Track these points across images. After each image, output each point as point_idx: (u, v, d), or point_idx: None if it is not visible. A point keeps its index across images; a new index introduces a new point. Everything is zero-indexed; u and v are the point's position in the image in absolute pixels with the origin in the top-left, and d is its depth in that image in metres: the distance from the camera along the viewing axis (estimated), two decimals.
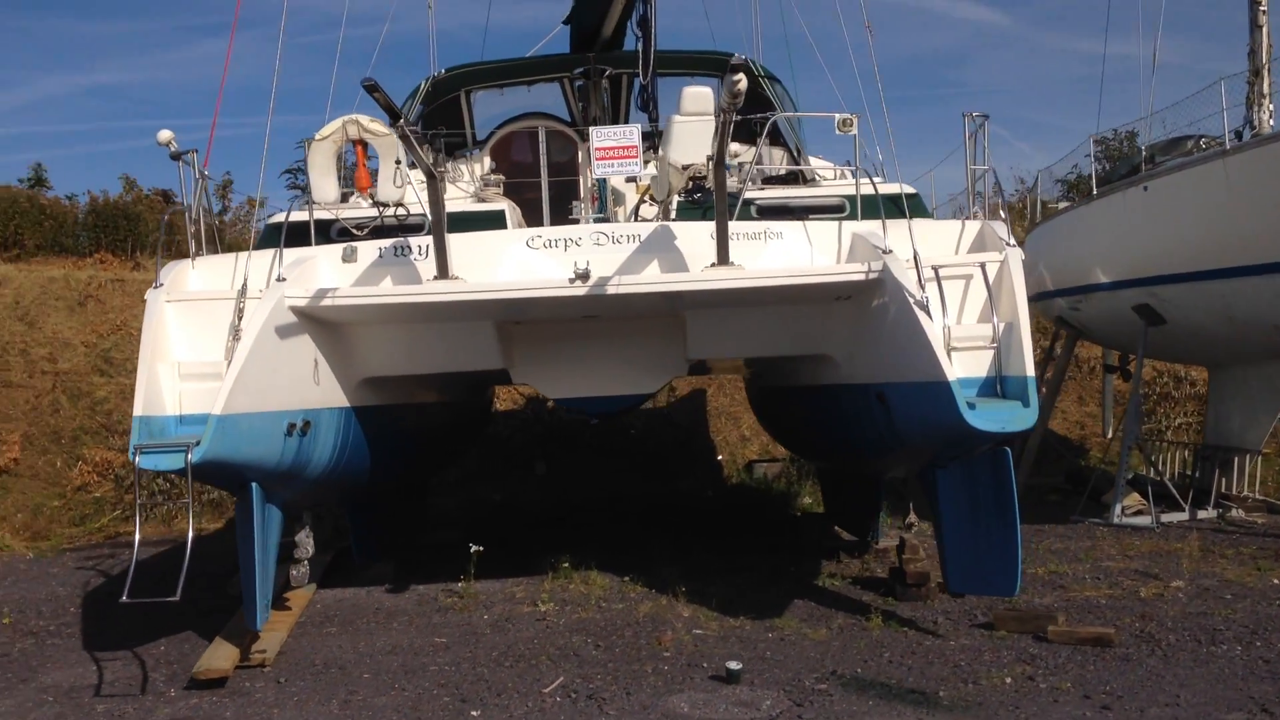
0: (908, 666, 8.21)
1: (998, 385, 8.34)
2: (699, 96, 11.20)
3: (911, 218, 9.97)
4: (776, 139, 12.54)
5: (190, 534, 8.12)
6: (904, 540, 10.50)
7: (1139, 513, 14.35)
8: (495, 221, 10.28)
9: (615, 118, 13.17)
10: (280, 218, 10.26)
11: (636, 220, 11.02)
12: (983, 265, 8.55)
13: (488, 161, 12.84)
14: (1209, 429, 15.89)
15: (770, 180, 11.88)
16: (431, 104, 12.96)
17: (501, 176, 11.30)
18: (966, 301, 8.57)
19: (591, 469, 20.64)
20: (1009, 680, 7.81)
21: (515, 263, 9.13)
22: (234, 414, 7.83)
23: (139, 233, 25.51)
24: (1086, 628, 8.71)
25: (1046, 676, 7.85)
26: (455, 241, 9.32)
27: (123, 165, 66.67)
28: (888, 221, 9.48)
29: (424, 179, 10.70)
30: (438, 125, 12.88)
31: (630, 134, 9.39)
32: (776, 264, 9.25)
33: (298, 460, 8.73)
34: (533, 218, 11.89)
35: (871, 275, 8.70)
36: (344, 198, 10.69)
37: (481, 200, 11.01)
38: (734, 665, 7.99)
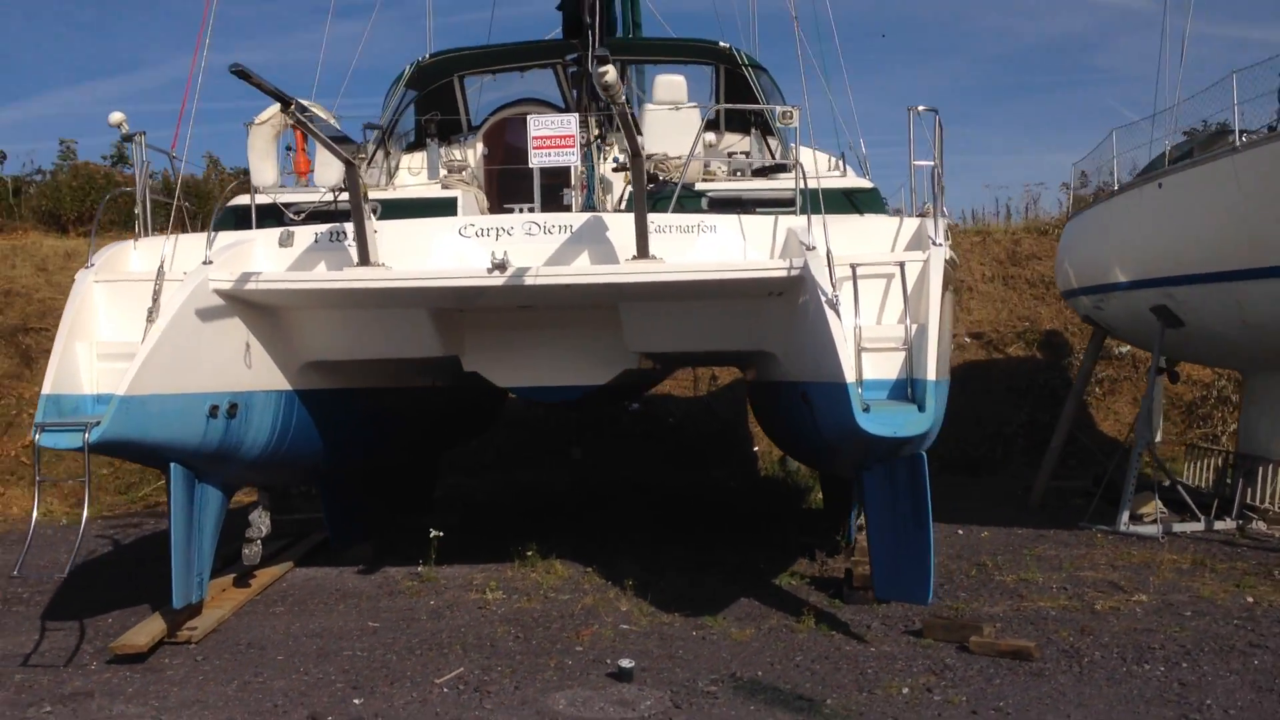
0: (812, 672, 8.05)
1: (909, 388, 8.12)
2: (672, 85, 11.15)
3: (865, 213, 9.77)
4: (767, 129, 12.35)
5: (85, 513, 8.29)
6: (856, 542, 10.28)
7: (1156, 520, 13.89)
8: (446, 208, 10.30)
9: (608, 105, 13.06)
10: (243, 200, 10.42)
11: (623, 209, 10.96)
12: (902, 265, 8.32)
13: (480, 147, 12.85)
14: (1241, 437, 15.30)
15: (759, 172, 11.71)
16: (424, 89, 13.00)
17: (469, 164, 11.30)
18: (888, 301, 8.34)
19: (626, 455, 20.67)
20: (905, 690, 7.61)
21: (446, 251, 9.14)
22: (143, 395, 7.96)
23: (206, 210, 26.06)
24: (1007, 640, 8.45)
25: (945, 689, 7.63)
26: (390, 229, 9.36)
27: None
28: (830, 216, 9.27)
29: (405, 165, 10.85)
30: (431, 110, 12.91)
31: (567, 123, 9.30)
32: (706, 258, 9.11)
33: (225, 442, 8.86)
34: (521, 203, 11.88)
35: (794, 272, 8.52)
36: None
37: (445, 187, 11.02)
38: (626, 663, 7.91)
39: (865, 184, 10.54)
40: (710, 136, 11.54)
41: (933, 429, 8.09)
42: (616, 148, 11.99)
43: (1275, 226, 11.52)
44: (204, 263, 8.85)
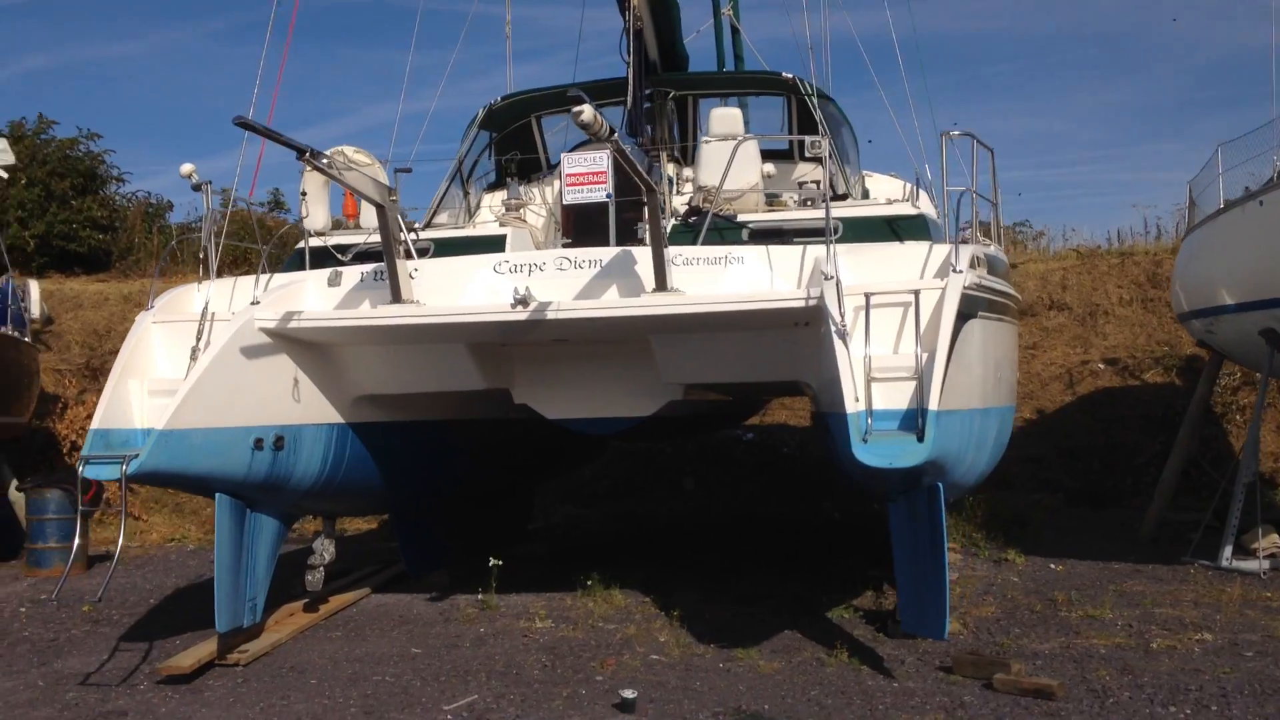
0: (820, 706, 7.95)
1: (919, 418, 7.96)
2: (726, 118, 11.21)
3: (906, 240, 9.64)
4: (843, 159, 12.30)
5: (120, 542, 8.75)
6: None
7: (1274, 555, 13.22)
8: (494, 246, 10.55)
9: (684, 138, 13.20)
10: (316, 242, 10.89)
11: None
12: (916, 293, 8.18)
13: (557, 185, 13.08)
14: None
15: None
16: (502, 129, 13.34)
17: (526, 202, 11.54)
18: (904, 330, 8.20)
19: (738, 486, 20.62)
20: None
21: (481, 287, 9.36)
22: (184, 428, 8.40)
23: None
24: (1031, 679, 8.17)
25: None
26: (430, 267, 9.66)
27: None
28: (866, 245, 9.20)
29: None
30: (511, 151, 13.24)
31: (600, 160, 9.46)
32: (733, 289, 9.11)
33: (274, 473, 9.24)
34: (600, 238, 12.07)
35: (811, 302, 8.47)
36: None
37: (501, 225, 11.30)
38: (629, 694, 7.94)
39: (909, 211, 10.38)
40: (769, 167, 11.54)
41: (940, 460, 7.90)
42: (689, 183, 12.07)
43: None
44: (252, 303, 9.29)
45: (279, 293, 9.53)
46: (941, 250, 8.90)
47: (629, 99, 11.09)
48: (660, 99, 13.19)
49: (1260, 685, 8.11)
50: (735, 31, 16.52)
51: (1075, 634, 9.78)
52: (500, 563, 11.31)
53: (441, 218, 13.14)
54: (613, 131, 7.87)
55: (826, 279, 8.46)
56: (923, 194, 12.62)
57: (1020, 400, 22.38)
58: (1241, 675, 8.38)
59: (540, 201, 13.01)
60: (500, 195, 13.11)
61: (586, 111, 7.38)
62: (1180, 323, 17.28)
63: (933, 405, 7.63)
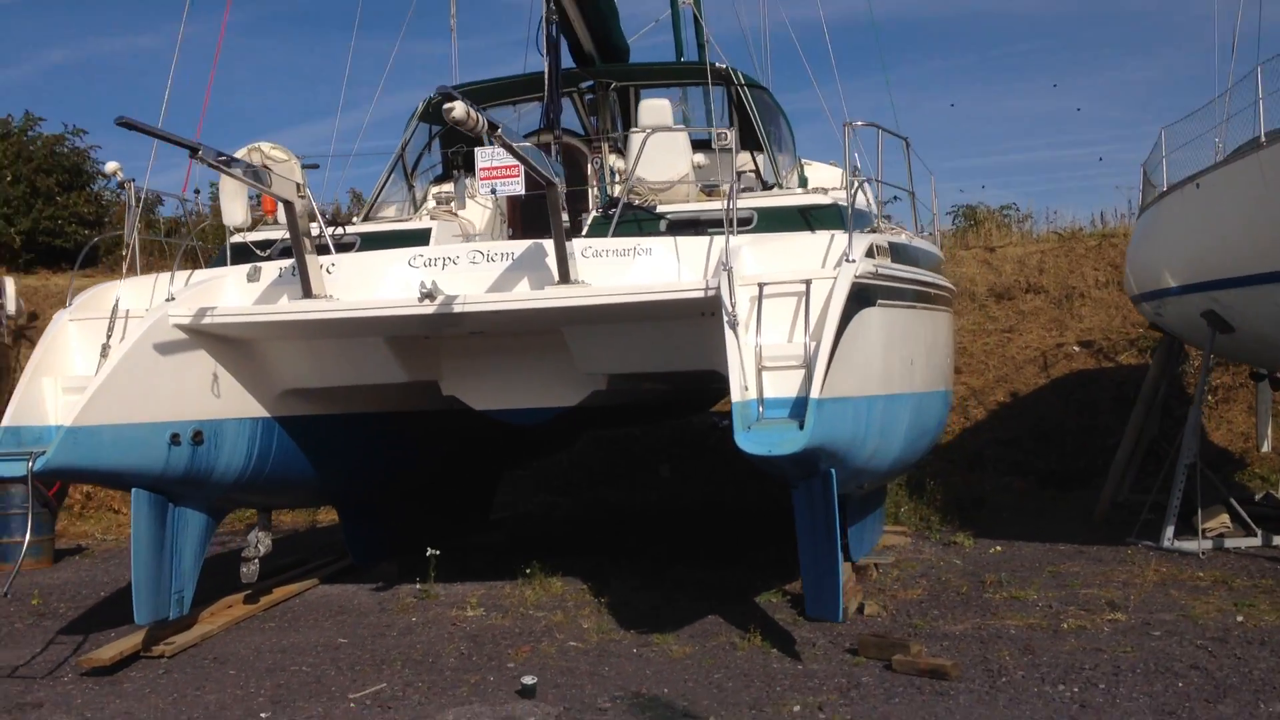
0: (719, 689, 8.06)
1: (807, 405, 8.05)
2: (656, 109, 11.30)
3: (818, 230, 9.72)
4: (756, 146, 12.37)
5: (26, 538, 8.92)
6: None
7: (1222, 535, 13.28)
8: (419, 239, 10.67)
9: (626, 129, 13.27)
10: (244, 237, 11.03)
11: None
12: (808, 282, 8.26)
13: None
14: None
15: (747, 191, 11.76)
16: (446, 124, 13.40)
17: (451, 194, 11.63)
18: (797, 319, 8.28)
19: (711, 473, 20.71)
20: (796, 709, 7.56)
21: (396, 281, 9.47)
22: (93, 425, 8.55)
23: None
24: (927, 659, 8.27)
25: (837, 707, 7.55)
26: (347, 261, 9.79)
27: None
28: (773, 235, 9.31)
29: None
30: (458, 144, 13.31)
31: (508, 154, 9.53)
32: (639, 281, 9.21)
33: (193, 468, 9.39)
34: (544, 230, 12.18)
35: (710, 292, 8.57)
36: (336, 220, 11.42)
37: (432, 219, 11.42)
38: (529, 680, 8.07)
39: (822, 200, 10.46)
40: (699, 157, 11.63)
41: (828, 446, 8.00)
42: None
43: None
44: (167, 299, 9.43)
45: (197, 289, 9.66)
46: (843, 240, 8.98)
47: (545, 92, 11.16)
48: (603, 90, 13.27)
49: (1155, 664, 8.19)
50: (697, 23, 16.56)
51: (992, 615, 9.87)
52: (438, 553, 11.43)
53: (389, 211, 13.26)
54: (495, 127, 7.95)
55: (724, 269, 8.55)
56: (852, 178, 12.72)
57: (994, 383, 22.53)
58: (1141, 654, 8.46)
59: (486, 194, 13.10)
60: (447, 188, 13.22)
61: (458, 109, 7.47)
62: (1135, 305, 17.30)
63: (814, 393, 7.71)
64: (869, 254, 8.88)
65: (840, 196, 10.43)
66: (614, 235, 10.13)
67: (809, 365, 7.93)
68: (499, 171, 9.49)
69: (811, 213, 10.12)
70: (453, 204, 11.66)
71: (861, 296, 8.55)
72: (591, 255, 9.36)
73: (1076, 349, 22.68)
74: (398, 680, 8.57)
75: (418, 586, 11.55)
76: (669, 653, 9.04)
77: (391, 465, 12.19)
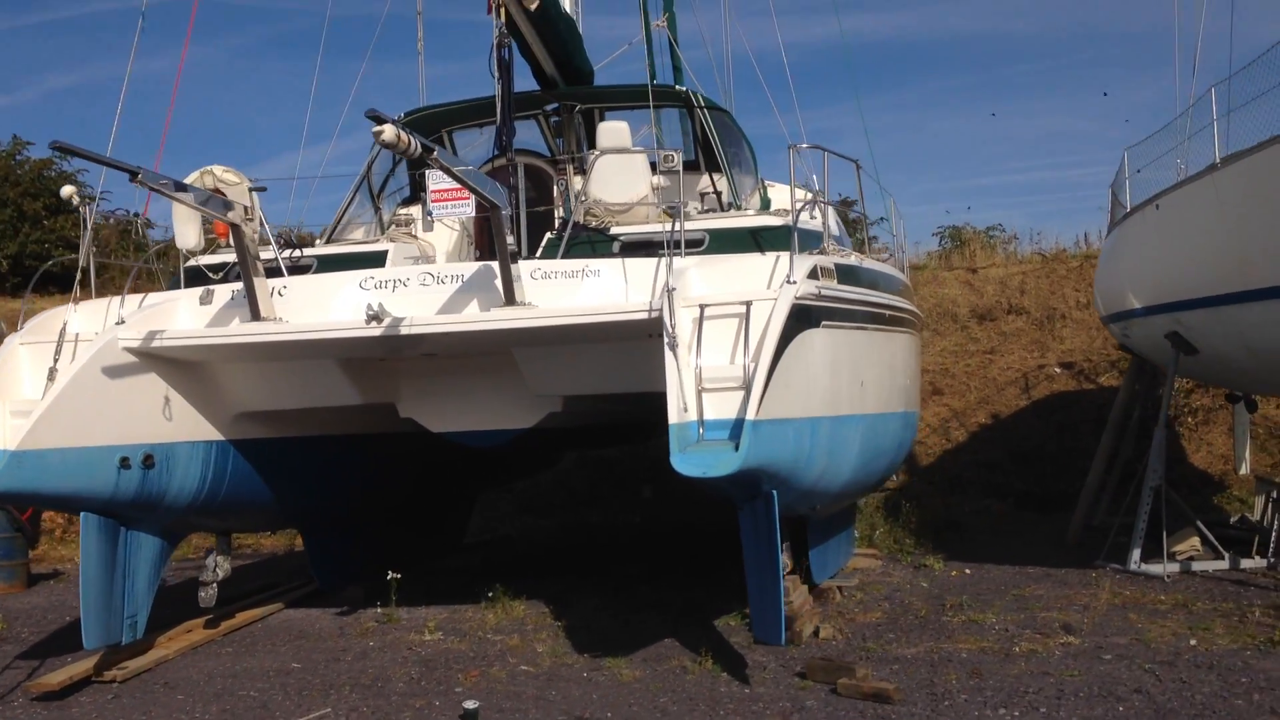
0: (663, 713, 8.05)
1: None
2: (614, 131, 11.35)
3: (768, 251, 9.74)
4: (716, 168, 12.41)
5: None
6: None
7: (1192, 558, 13.25)
8: (376, 261, 10.70)
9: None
10: (198, 261, 11.07)
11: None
12: (749, 304, 8.28)
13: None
14: None
15: (710, 213, 11.80)
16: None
17: (412, 216, 11.66)
18: (738, 341, 8.29)
19: (697, 494, 20.55)
20: None
21: (346, 303, 9.48)
22: (39, 449, 8.56)
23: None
24: (871, 683, 8.25)
25: None
26: (299, 284, 9.82)
27: None
28: (722, 256, 9.35)
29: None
30: (424, 166, 13.36)
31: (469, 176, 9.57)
32: (587, 303, 9.23)
33: (144, 492, 9.39)
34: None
35: (653, 314, 8.59)
36: (292, 244, 11.47)
37: (391, 240, 11.46)
38: (470, 705, 8.05)
39: (774, 222, 10.49)
40: (659, 179, 11.66)
41: (767, 468, 8.00)
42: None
43: (1258, 246, 10.97)
44: (117, 323, 9.46)
45: (148, 312, 9.69)
46: (801, 261, 9.01)
47: (498, 116, 11.21)
48: (568, 112, 13.33)
49: (1100, 687, 8.17)
50: (673, 47, 16.63)
51: (947, 638, 9.85)
52: (399, 576, 11.42)
53: (357, 233, 13.30)
54: (431, 150, 7.97)
55: (669, 291, 8.58)
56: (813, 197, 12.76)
57: (976, 405, 22.51)
58: (1087, 678, 8.44)
59: (436, 217, 13.15)
60: (415, 209, 13.26)
61: (387, 132, 7.48)
62: (1105, 325, 17.32)
63: (750, 415, 7.71)
64: (813, 275, 8.90)
65: (809, 219, 10.48)
66: (566, 257, 10.15)
67: (748, 386, 7.93)
68: (449, 194, 9.53)
69: (762, 234, 10.14)
70: (413, 226, 11.68)
71: (804, 317, 8.56)
72: (540, 277, 9.39)
73: (1058, 370, 22.68)
74: (343, 705, 8.55)
75: (379, 610, 11.54)
76: (619, 677, 9.02)
77: (355, 488, 12.19)
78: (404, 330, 8.95)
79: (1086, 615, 10.52)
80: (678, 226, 9.38)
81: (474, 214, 9.71)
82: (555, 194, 12.83)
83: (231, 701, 8.82)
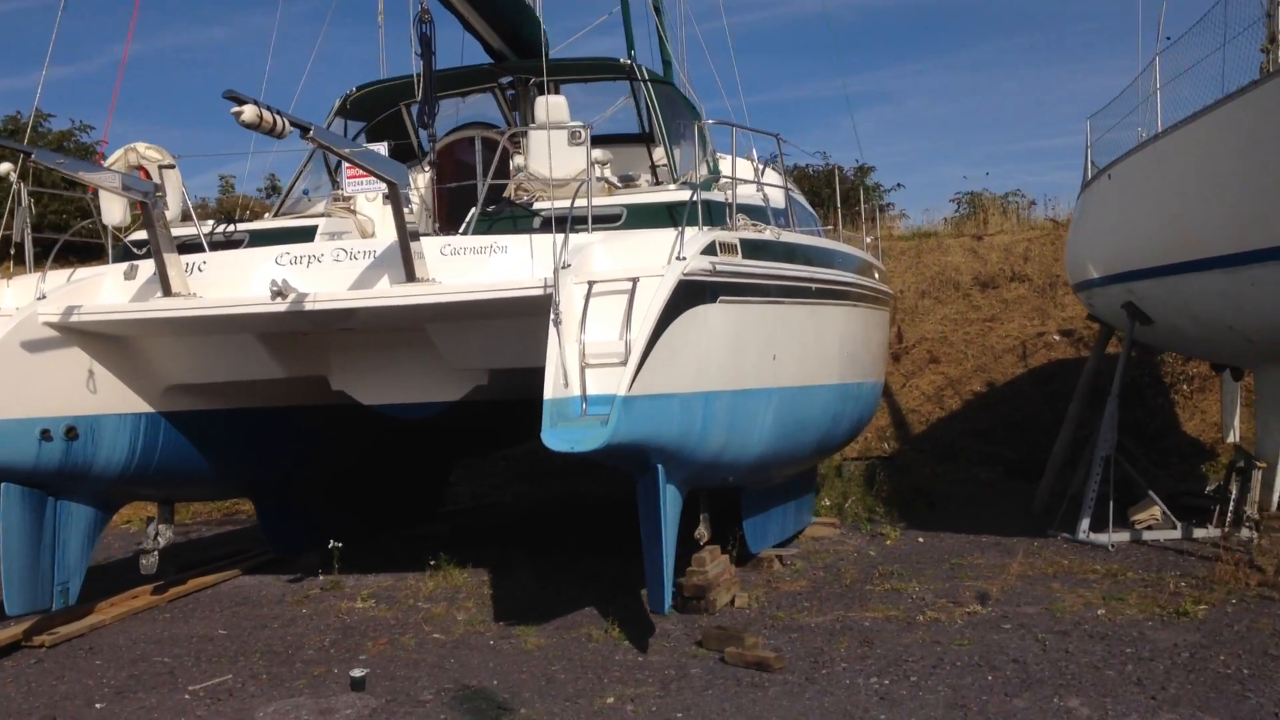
0: (549, 679, 8.20)
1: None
2: (554, 106, 11.42)
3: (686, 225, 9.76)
4: (652, 141, 12.44)
5: None
6: (699, 553, 10.26)
7: (1150, 527, 13.20)
8: (305, 236, 10.87)
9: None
10: (139, 234, 11.29)
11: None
12: (635, 280, 8.34)
13: (429, 171, 13.36)
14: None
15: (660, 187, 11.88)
16: (372, 118, 13.63)
17: (343, 193, 11.80)
18: (626, 317, 8.33)
19: None
20: (610, 700, 7.69)
21: (262, 279, 9.64)
22: None
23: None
24: (754, 652, 8.34)
25: (648, 698, 7.66)
26: (218, 259, 10.01)
27: None
28: (625, 232, 9.44)
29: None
30: (384, 139, 13.49)
31: (378, 153, 9.71)
32: (496, 278, 9.32)
33: (69, 462, 9.64)
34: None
35: (548, 290, 8.68)
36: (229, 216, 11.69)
37: (328, 215, 11.62)
38: (358, 673, 8.25)
39: (685, 197, 10.49)
40: (599, 153, 11.72)
41: (650, 442, 8.10)
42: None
43: (1197, 216, 10.88)
44: (38, 298, 9.71)
45: (73, 287, 9.93)
46: (697, 236, 9.05)
47: (419, 92, 11.30)
48: (522, 86, 13.40)
49: (980, 657, 8.22)
50: (658, 12, 16.56)
51: (859, 607, 9.92)
52: (340, 546, 11.65)
53: (318, 206, 13.47)
54: (307, 129, 8.07)
55: (562, 268, 8.67)
56: (771, 174, 12.77)
57: (972, 373, 22.39)
58: (974, 648, 8.48)
59: (414, 189, 13.29)
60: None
61: (247, 112, 7.58)
62: (1075, 294, 17.19)
63: (621, 390, 7.79)
64: (710, 251, 8.93)
65: (714, 193, 10.51)
66: (491, 233, 10.26)
67: (627, 362, 8.01)
68: (362, 171, 9.67)
69: (677, 209, 10.17)
70: (354, 201, 11.81)
71: (696, 293, 8.61)
72: (450, 253, 9.51)
73: (1057, 338, 22.49)
74: (245, 672, 8.78)
75: (320, 578, 11.78)
76: (524, 645, 9.18)
77: (297, 458, 12.39)
78: (307, 306, 9.12)
79: (1010, 584, 10.53)
80: (574, 203, 9.43)
81: (385, 191, 9.83)
82: (511, 168, 12.91)
83: (143, 667, 9.07)
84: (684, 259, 8.48)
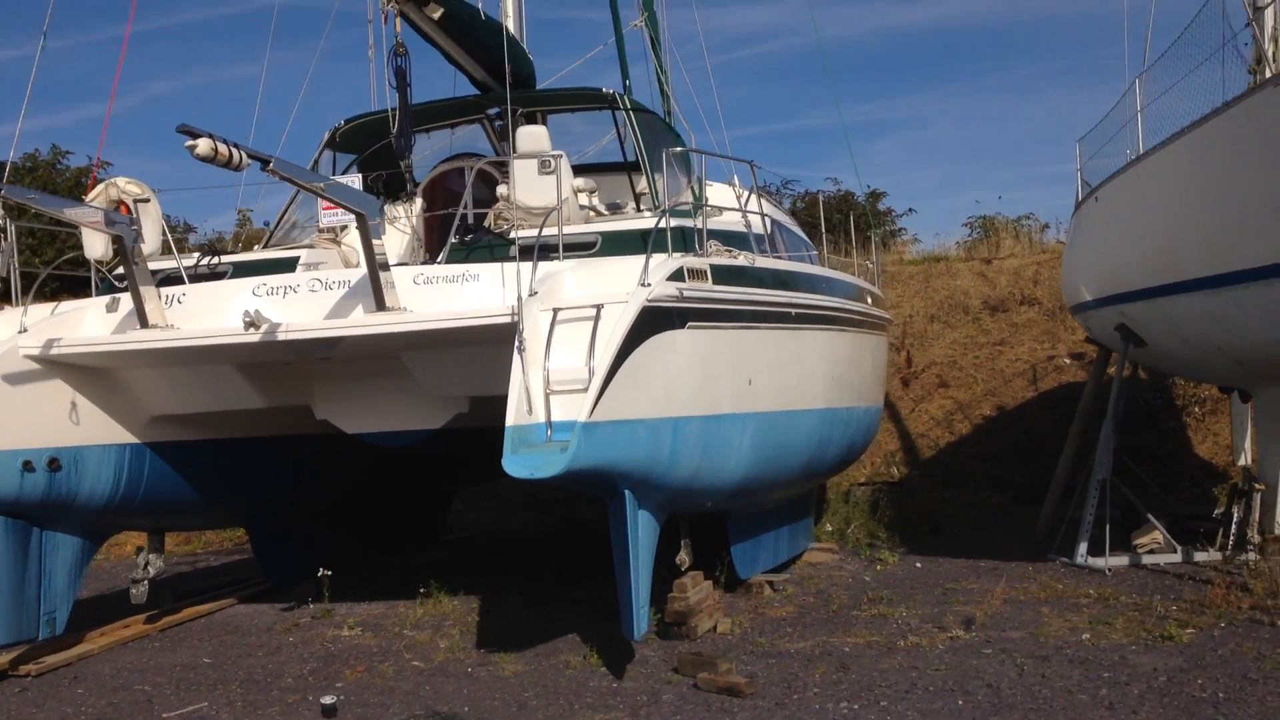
0: (519, 705, 8.19)
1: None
2: (532, 136, 11.49)
3: (656, 253, 9.78)
4: (638, 169, 12.48)
5: None
6: (681, 578, 10.24)
7: (1151, 551, 13.07)
8: (286, 267, 10.95)
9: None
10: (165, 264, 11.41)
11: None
12: (599, 307, 8.35)
13: (420, 202, 13.46)
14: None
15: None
16: (363, 151, 13.73)
17: (335, 227, 11.86)
18: (590, 344, 8.34)
19: None
20: None
21: (239, 310, 9.71)
22: None
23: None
24: (725, 678, 8.29)
25: None
26: (196, 291, 10.10)
27: None
28: (600, 259, 9.49)
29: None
30: (378, 169, 13.62)
31: (346, 184, 9.79)
32: (465, 307, 9.36)
33: (53, 493, 9.71)
34: (458, 253, 12.38)
35: (514, 318, 8.70)
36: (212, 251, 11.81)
37: (312, 247, 11.71)
38: (328, 700, 8.27)
39: (655, 224, 10.49)
40: (580, 181, 11.78)
41: (613, 468, 8.09)
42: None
43: (1180, 238, 10.82)
44: (19, 331, 9.81)
45: (55, 320, 10.03)
46: (664, 263, 9.07)
47: (394, 123, 11.39)
48: (510, 116, 13.46)
49: (954, 682, 8.15)
50: (654, 42, 16.65)
51: (843, 632, 9.86)
52: (330, 574, 11.67)
53: (310, 238, 13.57)
54: (267, 161, 8.15)
55: (531, 295, 8.71)
56: (756, 201, 12.78)
57: (982, 397, 22.27)
58: (951, 673, 8.41)
59: (405, 219, 13.39)
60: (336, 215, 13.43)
61: (201, 146, 7.65)
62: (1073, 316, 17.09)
63: (581, 416, 7.79)
64: (677, 277, 8.95)
65: (688, 220, 10.53)
66: (469, 261, 10.31)
67: (591, 389, 8.02)
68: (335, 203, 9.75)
69: (648, 237, 10.18)
70: (338, 232, 11.90)
71: (662, 319, 8.61)
72: (423, 282, 9.56)
73: (1068, 361, 22.35)
74: (221, 700, 8.80)
75: (311, 606, 11.81)
76: (500, 672, 9.17)
77: (288, 488, 12.44)
78: (279, 336, 9.18)
79: (996, 609, 10.44)
80: (551, 230, 9.48)
81: (351, 222, 9.90)
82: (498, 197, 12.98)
83: (123, 696, 9.11)
84: (649, 285, 8.50)
